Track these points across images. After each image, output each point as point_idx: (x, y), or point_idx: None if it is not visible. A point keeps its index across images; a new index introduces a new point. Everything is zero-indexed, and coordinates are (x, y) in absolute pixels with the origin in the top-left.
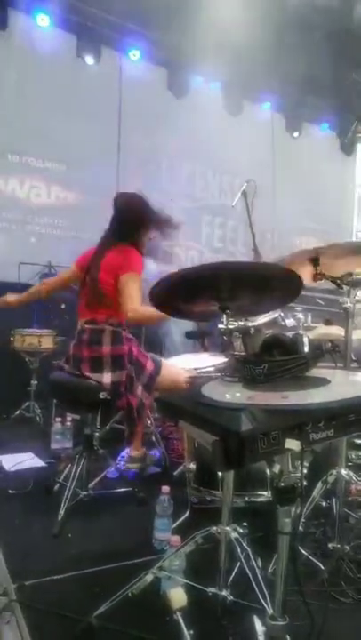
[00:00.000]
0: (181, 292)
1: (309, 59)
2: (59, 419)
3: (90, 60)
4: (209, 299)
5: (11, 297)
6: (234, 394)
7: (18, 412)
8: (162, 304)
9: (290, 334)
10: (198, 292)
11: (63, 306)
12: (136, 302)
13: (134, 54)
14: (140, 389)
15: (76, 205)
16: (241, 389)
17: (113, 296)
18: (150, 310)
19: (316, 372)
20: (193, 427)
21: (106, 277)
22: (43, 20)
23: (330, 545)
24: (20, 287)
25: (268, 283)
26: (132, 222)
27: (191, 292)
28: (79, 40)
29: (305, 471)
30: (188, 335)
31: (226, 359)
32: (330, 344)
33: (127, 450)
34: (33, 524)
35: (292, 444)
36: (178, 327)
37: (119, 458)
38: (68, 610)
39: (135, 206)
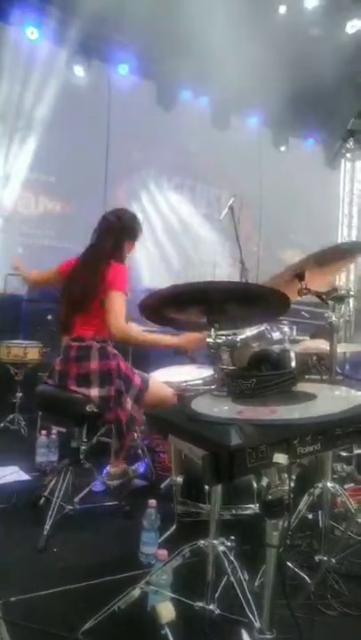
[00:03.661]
0: (171, 304)
1: (296, 75)
2: (44, 431)
3: (79, 72)
4: (198, 312)
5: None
6: (223, 408)
7: (2, 425)
8: (150, 313)
9: (276, 347)
10: (187, 305)
11: (49, 317)
12: (121, 320)
13: (123, 68)
14: (129, 403)
15: (63, 216)
16: (230, 404)
17: (100, 312)
18: (137, 332)
19: (303, 386)
20: (182, 441)
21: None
22: (32, 34)
23: (316, 557)
24: (5, 298)
25: (256, 301)
26: (127, 237)
27: (180, 305)
28: (68, 53)
29: (292, 484)
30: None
31: (213, 372)
32: (315, 358)
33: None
34: (18, 539)
35: (280, 458)
36: None
37: (105, 472)
38: (55, 626)
39: (132, 221)
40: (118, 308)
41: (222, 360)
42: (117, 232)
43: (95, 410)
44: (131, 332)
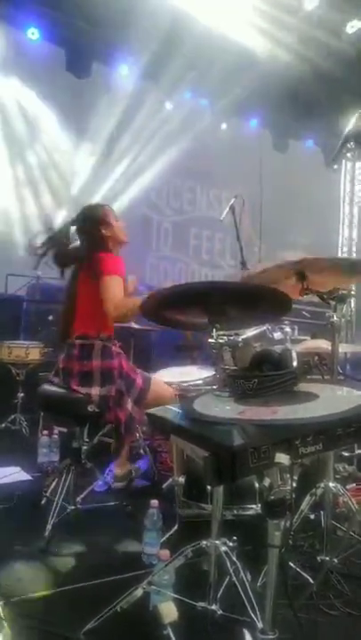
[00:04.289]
0: (172, 304)
1: (296, 78)
2: (45, 431)
3: (81, 73)
4: (199, 312)
5: None
6: (225, 408)
7: (4, 425)
8: (151, 313)
9: (278, 347)
10: (189, 305)
11: (50, 317)
12: (116, 300)
13: (124, 69)
14: (129, 404)
15: (65, 217)
16: (232, 404)
17: (100, 308)
18: (132, 301)
19: (305, 386)
20: (184, 441)
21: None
22: (33, 34)
23: (318, 558)
24: (7, 299)
25: (257, 301)
26: (95, 227)
27: (182, 305)
28: (69, 54)
29: (294, 484)
30: (178, 348)
31: (214, 372)
32: (317, 358)
33: (113, 466)
34: (19, 539)
35: (282, 458)
36: (167, 339)
37: (107, 471)
38: (56, 627)
39: (92, 212)
40: (113, 292)
41: (224, 360)
42: (93, 228)
43: (96, 410)
44: (127, 305)
